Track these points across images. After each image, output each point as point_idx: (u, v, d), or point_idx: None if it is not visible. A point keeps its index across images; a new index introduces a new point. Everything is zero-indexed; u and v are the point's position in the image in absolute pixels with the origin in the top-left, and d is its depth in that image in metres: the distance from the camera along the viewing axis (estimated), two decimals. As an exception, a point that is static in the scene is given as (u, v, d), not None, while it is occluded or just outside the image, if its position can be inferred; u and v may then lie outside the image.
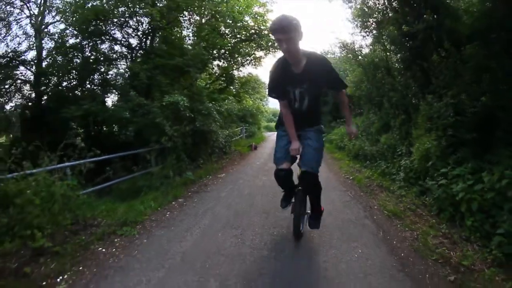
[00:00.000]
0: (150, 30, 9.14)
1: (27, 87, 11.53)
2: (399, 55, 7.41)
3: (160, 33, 9.12)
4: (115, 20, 9.56)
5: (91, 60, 9.91)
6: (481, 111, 3.85)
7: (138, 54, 9.68)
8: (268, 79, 3.02)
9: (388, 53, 8.74)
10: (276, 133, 3.34)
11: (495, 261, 2.74)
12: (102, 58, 10.11)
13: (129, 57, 10.23)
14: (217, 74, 12.02)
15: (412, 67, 6.01)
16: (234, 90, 13.80)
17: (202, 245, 3.34)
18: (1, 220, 3.19)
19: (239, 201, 4.96)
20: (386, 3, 7.58)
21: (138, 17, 9.23)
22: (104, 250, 3.30)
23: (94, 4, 9.18)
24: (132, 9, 8.87)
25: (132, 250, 3.31)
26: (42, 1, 11.32)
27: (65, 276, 2.73)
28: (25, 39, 11.32)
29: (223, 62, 11.44)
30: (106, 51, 10.44)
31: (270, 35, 7.97)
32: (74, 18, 9.66)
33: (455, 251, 3.03)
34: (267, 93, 3.26)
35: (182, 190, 5.74)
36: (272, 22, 2.65)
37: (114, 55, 10.44)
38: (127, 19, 9.43)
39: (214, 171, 7.80)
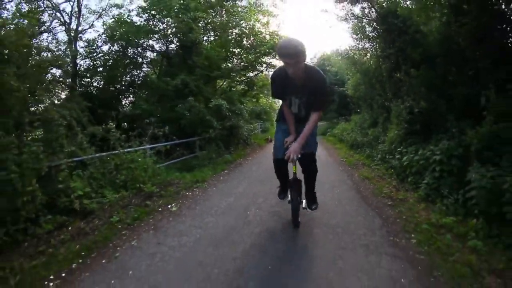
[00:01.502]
0: (190, 44, 10.90)
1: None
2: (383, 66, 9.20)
3: (197, 47, 11.00)
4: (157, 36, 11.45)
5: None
6: (423, 112, 5.71)
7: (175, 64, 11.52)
8: (271, 84, 3.11)
9: (380, 63, 10.51)
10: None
11: (419, 197, 4.60)
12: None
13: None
14: (242, 80, 13.85)
15: (389, 79, 7.86)
16: (253, 92, 15.63)
17: (247, 190, 5.33)
18: (120, 178, 5.21)
19: (264, 173, 6.82)
20: (375, 25, 9.32)
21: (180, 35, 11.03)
22: (189, 194, 5.33)
23: (140, 24, 11.03)
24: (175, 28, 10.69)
25: (208, 193, 5.34)
26: (78, 12, 12.07)
27: (173, 205, 4.71)
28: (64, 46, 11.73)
29: (246, 73, 13.24)
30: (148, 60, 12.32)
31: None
32: (118, 33, 11.04)
33: (397, 193, 4.93)
34: (271, 95, 3.36)
35: (225, 166, 7.82)
36: (279, 46, 2.72)
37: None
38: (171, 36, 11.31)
39: (243, 156, 9.84)
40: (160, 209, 4.43)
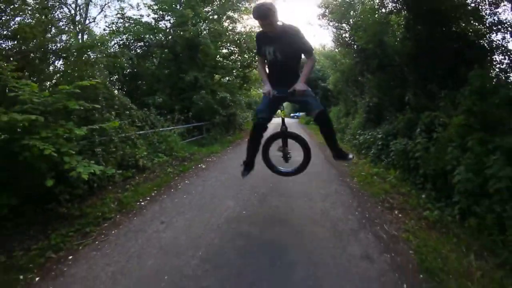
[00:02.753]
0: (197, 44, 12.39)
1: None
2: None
3: (201, 47, 12.56)
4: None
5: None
6: (375, 106, 7.68)
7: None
8: (256, 42, 3.28)
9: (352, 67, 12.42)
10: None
11: (367, 161, 6.54)
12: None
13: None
14: (239, 75, 15.50)
15: (357, 81, 9.80)
16: (248, 86, 17.29)
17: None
18: (162, 147, 7.01)
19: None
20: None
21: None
22: (210, 159, 7.17)
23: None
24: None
25: (221, 159, 7.22)
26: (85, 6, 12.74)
27: (201, 165, 6.55)
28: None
29: (243, 70, 14.96)
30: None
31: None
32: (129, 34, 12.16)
33: (355, 161, 6.87)
34: (256, 53, 3.60)
35: (228, 144, 9.76)
36: (253, 9, 2.89)
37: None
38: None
39: (239, 138, 11.80)
40: (193, 167, 6.28)
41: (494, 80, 4.27)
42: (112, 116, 5.00)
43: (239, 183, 4.56)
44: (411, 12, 6.26)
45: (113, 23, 12.46)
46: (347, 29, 10.21)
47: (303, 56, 3.12)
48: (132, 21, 12.30)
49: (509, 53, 5.04)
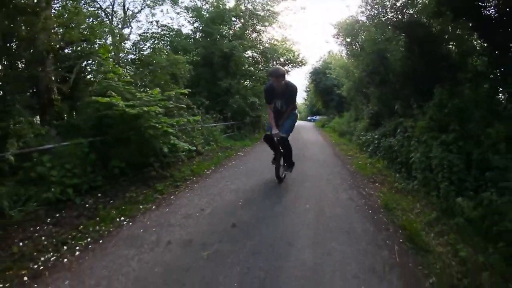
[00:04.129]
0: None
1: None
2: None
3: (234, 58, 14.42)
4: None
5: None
6: (376, 112, 9.32)
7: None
8: (264, 93, 4.66)
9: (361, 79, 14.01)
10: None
11: (366, 156, 8.19)
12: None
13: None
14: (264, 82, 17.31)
15: (364, 91, 11.44)
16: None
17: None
18: (210, 139, 8.91)
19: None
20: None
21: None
22: (245, 150, 9.00)
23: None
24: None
25: (253, 150, 9.02)
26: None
27: (240, 153, 8.40)
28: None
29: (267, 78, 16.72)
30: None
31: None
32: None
33: (355, 154, 8.55)
34: (265, 101, 4.75)
35: (256, 140, 11.55)
36: (271, 71, 4.55)
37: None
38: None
39: (264, 136, 13.62)
40: (234, 154, 8.14)
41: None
42: (185, 113, 6.91)
43: (270, 164, 6.40)
44: (408, 37, 7.79)
45: (149, 32, 14.45)
46: (358, 45, 11.81)
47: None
48: (169, 30, 14.18)
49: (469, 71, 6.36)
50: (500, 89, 5.03)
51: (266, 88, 4.65)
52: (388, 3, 8.35)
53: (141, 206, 3.94)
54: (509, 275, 2.43)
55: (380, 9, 8.77)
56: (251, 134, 12.50)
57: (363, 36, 10.53)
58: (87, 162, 4.43)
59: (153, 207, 3.97)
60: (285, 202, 4.16)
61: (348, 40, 12.14)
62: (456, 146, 4.37)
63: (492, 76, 5.64)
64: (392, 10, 8.39)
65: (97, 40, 7.00)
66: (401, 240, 3.14)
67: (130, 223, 3.41)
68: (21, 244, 2.86)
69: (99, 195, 4.27)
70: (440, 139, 4.68)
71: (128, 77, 5.44)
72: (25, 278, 2.33)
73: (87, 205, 3.90)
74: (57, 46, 5.75)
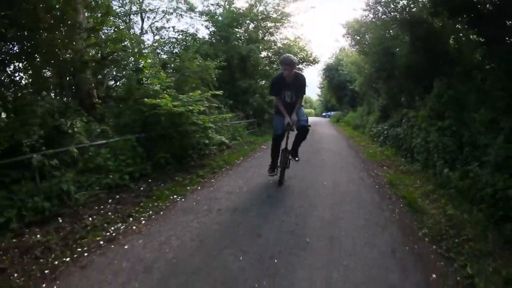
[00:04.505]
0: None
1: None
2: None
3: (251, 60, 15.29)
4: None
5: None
6: (385, 105, 10.02)
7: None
8: (271, 84, 4.46)
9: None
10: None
11: (376, 146, 8.97)
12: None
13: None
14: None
15: (374, 86, 12.13)
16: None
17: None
18: (235, 134, 9.88)
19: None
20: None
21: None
22: (267, 143, 9.85)
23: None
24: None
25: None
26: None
27: (262, 146, 9.32)
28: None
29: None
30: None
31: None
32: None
33: (367, 144, 9.33)
34: (269, 92, 4.86)
35: None
36: (282, 58, 4.11)
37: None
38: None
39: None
40: (258, 147, 9.07)
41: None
42: (215, 111, 7.89)
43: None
44: (412, 35, 8.46)
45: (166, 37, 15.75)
46: (366, 43, 12.49)
47: None
48: (186, 35, 15.21)
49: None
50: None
51: (276, 78, 4.41)
52: (392, 4, 9.02)
53: (188, 188, 4.82)
54: (490, 229, 3.10)
55: (385, 9, 9.45)
56: (271, 130, 13.40)
57: (370, 35, 11.21)
58: (136, 155, 5.34)
59: (199, 187, 4.87)
60: (307, 181, 5.04)
61: (358, 38, 12.85)
62: (450, 131, 5.13)
63: (488, 67, 6.29)
64: (395, 9, 9.07)
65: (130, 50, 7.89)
66: (401, 206, 3.96)
67: (183, 199, 4.28)
68: (90, 219, 3.46)
69: (150, 181, 5.16)
70: (437, 126, 5.45)
71: (169, 81, 6.35)
72: (101, 243, 2.89)
73: (141, 188, 4.78)
74: (100, 56, 6.67)
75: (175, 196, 4.37)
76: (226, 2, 15.51)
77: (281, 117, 4.29)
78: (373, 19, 9.89)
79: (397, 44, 9.19)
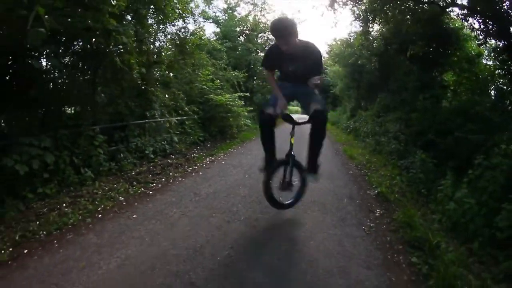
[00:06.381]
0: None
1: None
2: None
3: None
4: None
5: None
6: (352, 107, 13.91)
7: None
8: (264, 57, 3.03)
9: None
10: None
11: (357, 141, 12.86)
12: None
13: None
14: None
15: (347, 92, 16.02)
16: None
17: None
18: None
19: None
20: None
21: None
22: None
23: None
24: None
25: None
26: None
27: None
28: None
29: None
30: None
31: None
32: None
33: (339, 135, 13.21)
34: (261, 65, 3.67)
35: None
36: (270, 25, 2.66)
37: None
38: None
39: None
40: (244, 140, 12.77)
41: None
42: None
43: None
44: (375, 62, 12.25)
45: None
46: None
47: None
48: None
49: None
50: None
51: (270, 48, 3.04)
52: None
53: (233, 146, 8.56)
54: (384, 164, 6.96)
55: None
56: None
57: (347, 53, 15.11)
58: (199, 128, 9.00)
59: (239, 147, 8.63)
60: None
61: (337, 52, 16.78)
62: (378, 121, 9.02)
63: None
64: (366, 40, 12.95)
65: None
66: (345, 157, 7.77)
67: (234, 150, 8.02)
68: (193, 155, 7.05)
69: (209, 142, 8.87)
70: (375, 121, 9.35)
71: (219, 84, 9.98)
72: (206, 161, 6.64)
73: (208, 145, 8.53)
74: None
75: (230, 149, 8.06)
76: (229, 9, 18.53)
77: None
78: (351, 40, 13.74)
79: (365, 64, 13.11)
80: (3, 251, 2.35)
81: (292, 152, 3.03)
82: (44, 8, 2.36)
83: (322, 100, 2.87)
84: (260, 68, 15.29)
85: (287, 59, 2.72)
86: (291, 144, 3.06)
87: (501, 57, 6.44)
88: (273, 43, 2.88)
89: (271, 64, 2.94)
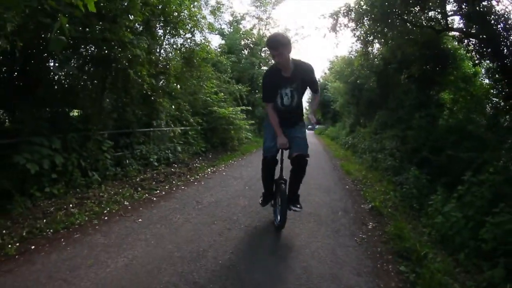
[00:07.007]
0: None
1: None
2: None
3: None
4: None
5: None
6: (351, 123, 14.15)
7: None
8: (263, 85, 2.95)
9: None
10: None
11: (354, 156, 13.03)
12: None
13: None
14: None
15: (346, 108, 16.30)
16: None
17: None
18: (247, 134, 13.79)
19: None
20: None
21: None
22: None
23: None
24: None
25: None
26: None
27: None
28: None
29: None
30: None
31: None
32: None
33: (338, 150, 13.41)
34: (263, 99, 3.09)
35: None
36: (267, 39, 2.82)
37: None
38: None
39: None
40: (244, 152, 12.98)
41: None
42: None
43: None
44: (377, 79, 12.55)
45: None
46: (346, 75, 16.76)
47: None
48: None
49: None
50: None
51: (267, 76, 2.97)
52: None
53: (234, 158, 8.74)
54: (380, 180, 7.11)
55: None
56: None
57: (348, 71, 15.45)
58: (201, 139, 9.18)
59: (239, 159, 8.80)
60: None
61: (338, 69, 17.12)
62: (376, 138, 9.20)
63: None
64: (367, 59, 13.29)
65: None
66: (343, 172, 7.91)
67: (235, 162, 8.19)
68: (195, 165, 7.22)
69: (211, 153, 9.05)
70: (371, 136, 9.54)
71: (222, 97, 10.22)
72: (208, 171, 6.85)
73: (210, 156, 8.69)
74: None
75: (230, 161, 8.22)
76: (235, 21, 19.04)
77: (272, 131, 2.99)
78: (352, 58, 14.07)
79: (365, 82, 13.39)
80: (10, 245, 2.47)
81: (282, 182, 3.19)
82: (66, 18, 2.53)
83: (305, 142, 3.07)
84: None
85: (283, 80, 2.83)
86: (281, 170, 3.23)
87: (495, 77, 6.68)
88: (267, 68, 3.15)
89: (271, 95, 2.92)
